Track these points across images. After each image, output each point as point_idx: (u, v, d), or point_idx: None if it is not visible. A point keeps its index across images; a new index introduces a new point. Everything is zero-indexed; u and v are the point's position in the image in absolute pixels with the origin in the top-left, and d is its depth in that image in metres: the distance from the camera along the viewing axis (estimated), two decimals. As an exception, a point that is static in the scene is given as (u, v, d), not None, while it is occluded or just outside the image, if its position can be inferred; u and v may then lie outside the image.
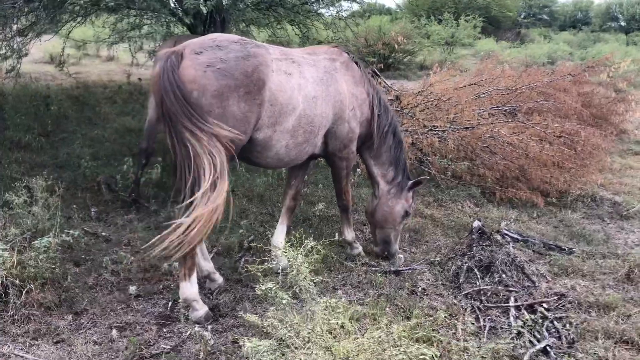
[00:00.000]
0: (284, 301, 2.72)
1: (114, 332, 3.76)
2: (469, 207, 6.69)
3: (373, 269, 4.86)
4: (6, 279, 3.91)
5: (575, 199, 7.09)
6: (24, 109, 9.61)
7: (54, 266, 4.18)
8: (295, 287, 2.84)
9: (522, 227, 6.12)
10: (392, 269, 4.82)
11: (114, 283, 4.43)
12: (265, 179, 7.05)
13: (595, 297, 4.44)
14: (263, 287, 2.79)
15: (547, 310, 4.24)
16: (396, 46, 16.53)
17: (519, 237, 5.65)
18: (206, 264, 4.33)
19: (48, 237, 4.33)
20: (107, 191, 6.36)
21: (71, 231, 4.46)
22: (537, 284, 4.62)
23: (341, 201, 5.01)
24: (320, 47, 4.80)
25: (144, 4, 7.95)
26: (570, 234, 6.04)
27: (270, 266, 3.58)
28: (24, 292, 3.93)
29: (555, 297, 4.46)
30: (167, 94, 3.51)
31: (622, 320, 4.12)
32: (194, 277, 3.88)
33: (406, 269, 4.82)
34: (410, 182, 5.03)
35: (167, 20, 9.97)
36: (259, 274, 3.06)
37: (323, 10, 10.70)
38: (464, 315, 4.11)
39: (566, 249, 5.50)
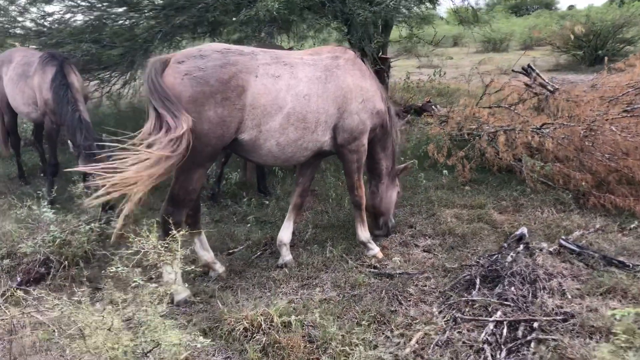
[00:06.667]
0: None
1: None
2: (551, 214, 5.94)
3: (371, 270, 4.75)
4: (52, 255, 4.88)
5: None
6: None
7: (89, 247, 5.05)
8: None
9: (600, 239, 5.23)
10: (385, 272, 4.66)
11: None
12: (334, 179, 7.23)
13: (605, 322, 3.72)
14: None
15: (533, 329, 3.72)
16: (572, 36, 14.79)
17: (576, 249, 4.91)
18: (205, 253, 4.74)
19: (98, 223, 5.27)
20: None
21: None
22: (540, 300, 4.02)
23: (353, 196, 5.04)
24: (326, 47, 4.95)
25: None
26: (663, 249, 4.99)
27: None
28: (60, 268, 4.86)
29: (559, 318, 3.86)
30: (152, 93, 3.87)
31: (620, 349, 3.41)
32: (177, 261, 4.25)
33: (399, 273, 4.61)
34: (399, 169, 5.53)
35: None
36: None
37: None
38: (430, 325, 3.86)
39: (630, 265, 4.62)
